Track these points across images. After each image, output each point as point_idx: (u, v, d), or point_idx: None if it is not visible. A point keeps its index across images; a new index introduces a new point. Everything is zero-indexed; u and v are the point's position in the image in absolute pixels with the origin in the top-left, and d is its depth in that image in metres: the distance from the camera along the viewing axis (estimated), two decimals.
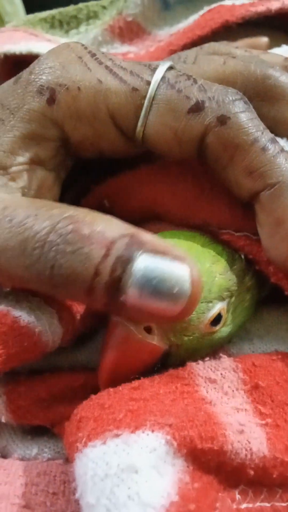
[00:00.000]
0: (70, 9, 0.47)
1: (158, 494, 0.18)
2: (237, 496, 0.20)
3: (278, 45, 0.34)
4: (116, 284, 0.20)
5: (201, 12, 0.40)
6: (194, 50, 0.28)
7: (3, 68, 0.38)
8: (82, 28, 0.46)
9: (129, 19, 0.44)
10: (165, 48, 0.40)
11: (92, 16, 0.47)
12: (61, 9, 0.47)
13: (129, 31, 0.44)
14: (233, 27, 0.37)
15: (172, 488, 0.18)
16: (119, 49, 0.44)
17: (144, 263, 0.20)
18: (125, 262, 0.20)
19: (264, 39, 0.36)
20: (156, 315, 0.20)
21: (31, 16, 0.48)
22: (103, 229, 0.20)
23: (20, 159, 0.24)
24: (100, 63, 0.24)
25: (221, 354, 0.24)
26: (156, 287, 0.20)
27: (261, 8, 0.37)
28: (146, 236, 0.21)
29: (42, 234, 0.20)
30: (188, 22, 0.41)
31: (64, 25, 0.47)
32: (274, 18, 0.38)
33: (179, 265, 0.20)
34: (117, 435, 0.19)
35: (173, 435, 0.19)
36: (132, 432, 0.19)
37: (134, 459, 0.18)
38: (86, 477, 0.18)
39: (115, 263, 0.20)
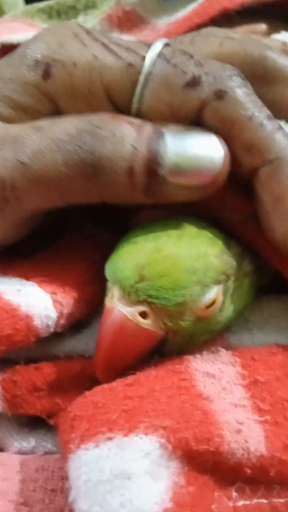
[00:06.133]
0: None
1: (151, 501, 0.17)
2: (234, 494, 0.20)
3: (277, 32, 0.33)
4: (154, 158, 0.21)
5: (200, 1, 0.40)
6: (192, 33, 0.28)
7: (1, 58, 0.38)
8: (80, 18, 0.46)
9: (128, 8, 0.43)
10: (164, 37, 0.39)
11: (90, 6, 0.46)
12: (59, 0, 0.47)
13: (127, 20, 0.43)
14: (232, 15, 0.36)
15: (166, 493, 0.18)
16: None
17: (173, 137, 0.21)
18: (157, 137, 0.21)
19: (263, 26, 0.36)
20: (193, 187, 0.22)
21: (29, 6, 0.48)
22: (128, 118, 0.22)
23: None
24: (96, 39, 0.24)
25: (219, 348, 0.24)
26: (192, 151, 0.21)
27: None
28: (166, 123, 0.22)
29: (75, 128, 0.22)
30: (187, 11, 0.41)
31: (62, 15, 0.47)
32: (273, 6, 0.37)
33: (206, 134, 0.22)
34: (110, 438, 0.19)
35: (167, 438, 0.19)
36: (125, 435, 0.19)
37: (127, 464, 0.18)
38: (79, 482, 0.18)
39: (149, 140, 0.21)
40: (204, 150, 0.21)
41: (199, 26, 0.37)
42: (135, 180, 0.21)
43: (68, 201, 0.23)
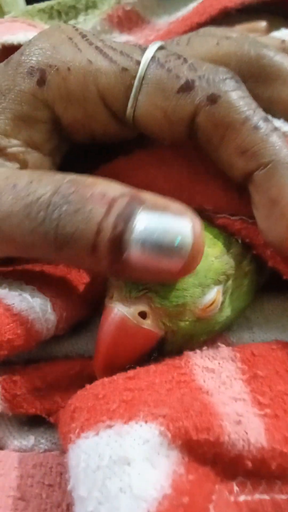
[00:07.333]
0: None
1: (150, 487, 0.17)
2: (235, 488, 0.20)
3: (277, 29, 0.33)
4: (119, 240, 0.20)
5: (200, 0, 0.40)
6: (189, 34, 0.28)
7: (2, 59, 0.38)
8: (81, 18, 0.46)
9: (128, 8, 0.43)
10: (164, 36, 0.39)
11: (90, 6, 0.46)
12: (60, 0, 0.47)
13: (128, 20, 0.43)
14: (233, 14, 0.36)
15: (166, 480, 0.18)
16: (118, 38, 0.43)
17: (145, 218, 0.20)
18: (126, 218, 0.20)
19: (263, 24, 0.36)
20: (158, 272, 0.21)
21: (29, 7, 0.48)
22: (104, 189, 0.21)
23: (14, 141, 0.24)
24: (91, 43, 0.24)
25: (219, 343, 0.24)
26: (157, 241, 0.20)
27: None
28: (146, 194, 0.21)
29: (46, 197, 0.21)
30: (188, 10, 0.41)
31: (62, 15, 0.47)
32: (274, 4, 0.37)
33: (180, 218, 0.20)
34: (110, 426, 0.19)
35: (167, 426, 0.19)
36: (125, 423, 0.19)
37: (126, 450, 0.18)
38: (78, 469, 0.18)
39: (117, 220, 0.20)
40: (173, 237, 0.20)
41: (200, 25, 0.37)
42: (97, 257, 0.20)
43: (33, 255, 0.23)
